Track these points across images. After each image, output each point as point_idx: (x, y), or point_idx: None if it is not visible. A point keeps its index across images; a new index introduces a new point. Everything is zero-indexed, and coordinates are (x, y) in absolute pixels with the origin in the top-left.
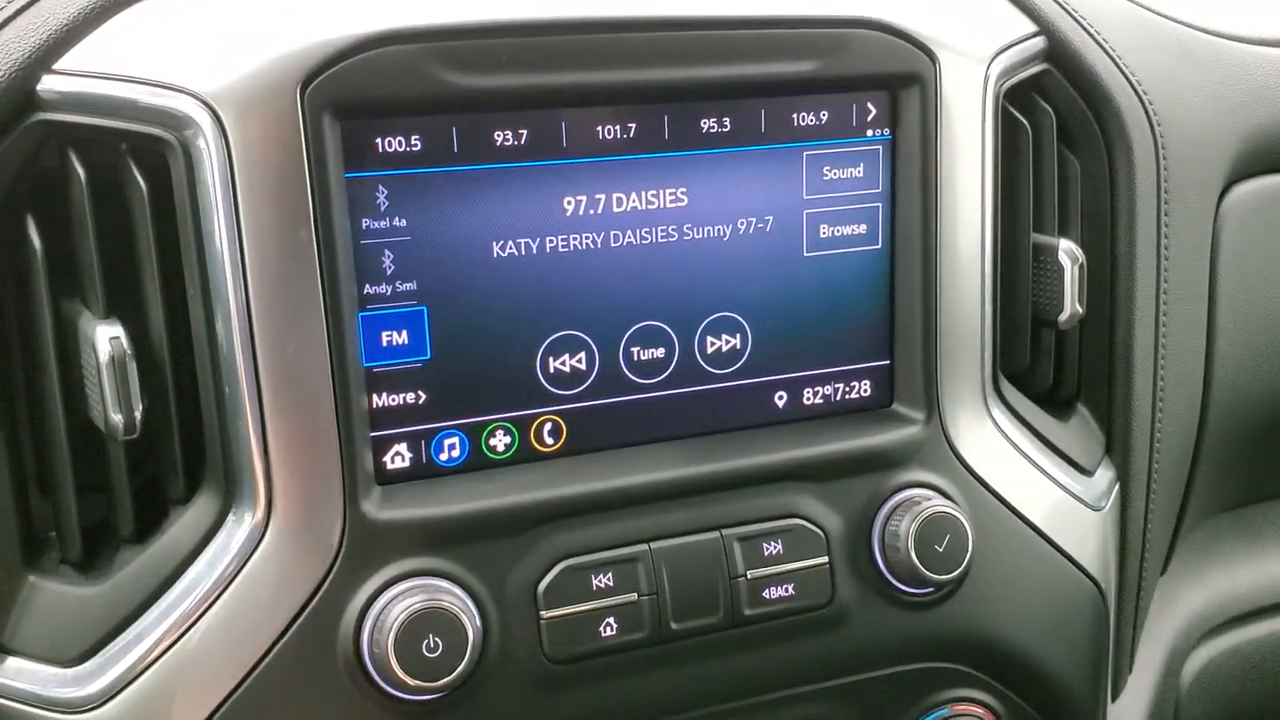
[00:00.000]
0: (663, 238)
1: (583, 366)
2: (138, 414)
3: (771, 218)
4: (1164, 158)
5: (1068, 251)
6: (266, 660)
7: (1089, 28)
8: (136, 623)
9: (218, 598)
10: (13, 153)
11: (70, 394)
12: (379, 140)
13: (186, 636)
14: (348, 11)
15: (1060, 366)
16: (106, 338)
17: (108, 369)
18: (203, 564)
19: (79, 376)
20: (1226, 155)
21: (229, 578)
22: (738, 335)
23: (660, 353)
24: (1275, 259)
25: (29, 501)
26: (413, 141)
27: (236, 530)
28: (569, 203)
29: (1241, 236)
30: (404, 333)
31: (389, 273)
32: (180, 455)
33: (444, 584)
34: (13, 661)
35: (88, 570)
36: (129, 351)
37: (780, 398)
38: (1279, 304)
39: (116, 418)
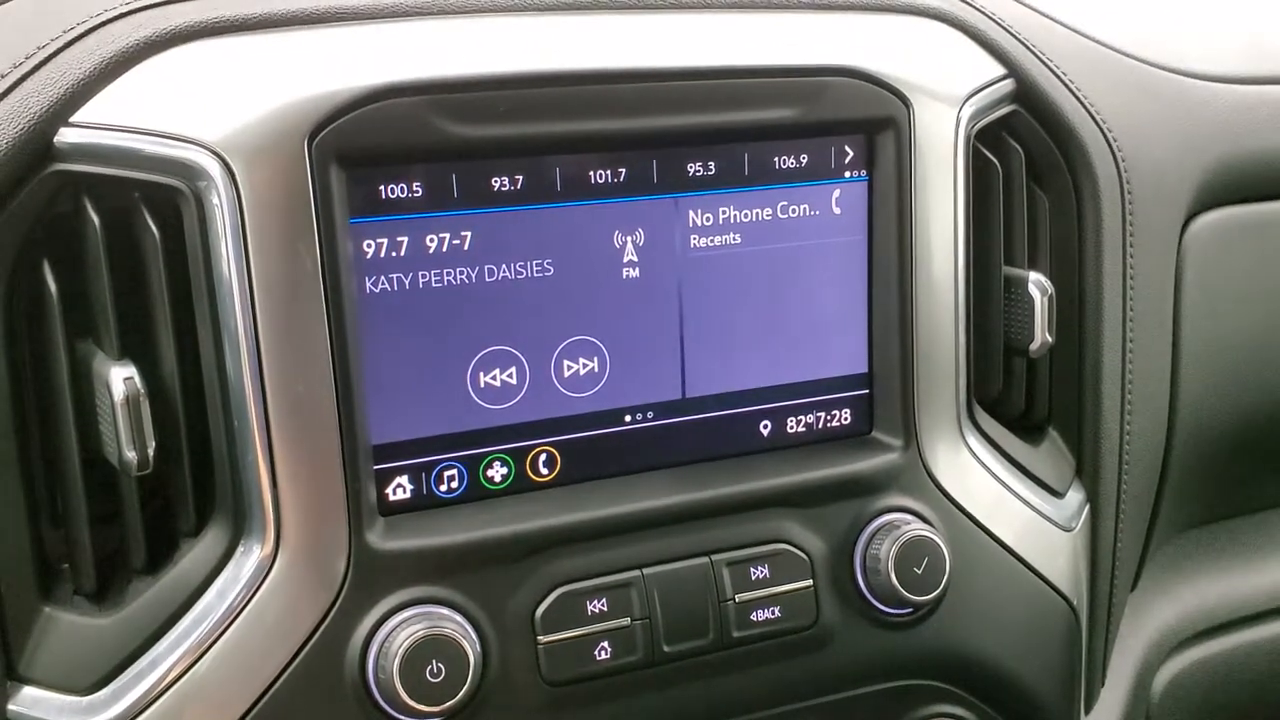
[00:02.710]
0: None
1: None
2: (150, 451)
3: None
4: (1129, 192)
5: (1037, 283)
6: (276, 686)
7: (1056, 69)
8: (149, 652)
9: (228, 627)
10: (30, 202)
11: (83, 429)
12: (382, 187)
13: (198, 665)
14: (352, 65)
15: (1031, 393)
16: (121, 378)
17: (122, 409)
18: (213, 594)
19: (92, 413)
20: (1188, 188)
21: (239, 607)
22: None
23: None
24: (1236, 285)
25: (43, 534)
26: (414, 188)
27: (246, 561)
28: (566, 245)
29: (1204, 265)
30: None
31: None
32: (191, 489)
33: (445, 611)
34: (29, 691)
35: (101, 601)
36: (142, 391)
37: (765, 427)
38: (1240, 328)
39: (130, 455)
